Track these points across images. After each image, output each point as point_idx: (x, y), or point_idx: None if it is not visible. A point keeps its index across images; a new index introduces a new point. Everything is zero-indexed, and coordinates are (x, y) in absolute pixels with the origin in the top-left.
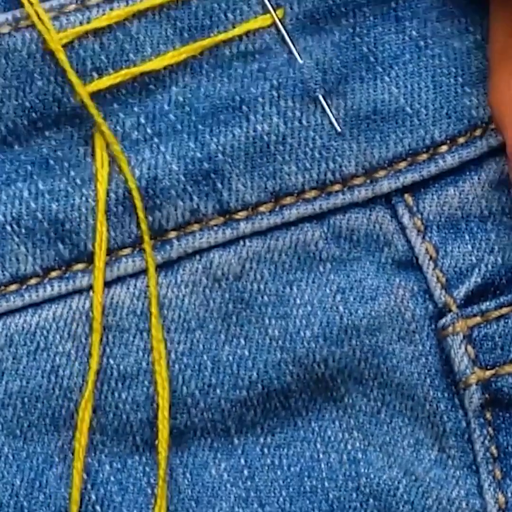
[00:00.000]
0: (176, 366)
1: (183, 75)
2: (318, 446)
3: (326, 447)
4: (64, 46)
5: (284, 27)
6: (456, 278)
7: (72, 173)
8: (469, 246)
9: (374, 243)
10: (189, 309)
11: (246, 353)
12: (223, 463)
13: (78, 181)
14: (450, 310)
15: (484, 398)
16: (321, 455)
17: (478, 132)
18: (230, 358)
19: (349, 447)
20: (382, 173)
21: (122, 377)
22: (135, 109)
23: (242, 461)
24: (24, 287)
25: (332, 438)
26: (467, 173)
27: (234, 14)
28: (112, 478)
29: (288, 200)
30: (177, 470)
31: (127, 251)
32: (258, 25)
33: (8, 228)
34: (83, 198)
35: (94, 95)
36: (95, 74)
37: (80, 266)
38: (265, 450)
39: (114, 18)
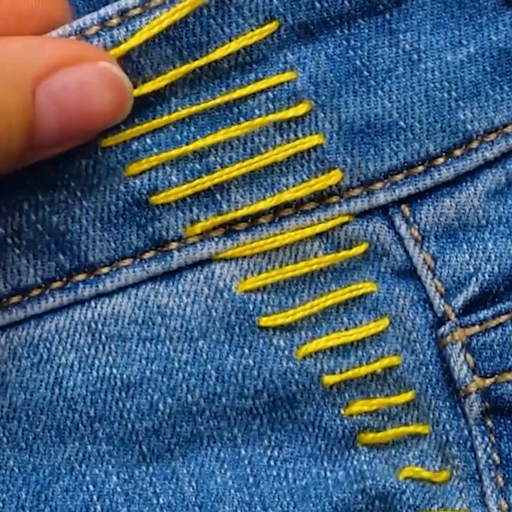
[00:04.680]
0: (180, 374)
1: (183, 87)
2: (325, 464)
3: (333, 465)
4: None
5: (279, 38)
6: (455, 287)
7: (72, 184)
8: (467, 256)
9: (372, 253)
10: (191, 318)
11: (251, 362)
12: (229, 472)
13: (78, 193)
14: (449, 319)
15: (484, 406)
16: (328, 473)
17: (474, 145)
18: (235, 367)
19: (354, 462)
20: (378, 185)
21: (125, 386)
22: (135, 120)
23: (248, 470)
24: (26, 298)
25: (339, 456)
26: (463, 184)
27: (230, 28)
28: (118, 489)
29: (287, 211)
30: (183, 479)
31: (127, 261)
32: (255, 39)
33: (9, 240)
34: (84, 210)
35: None
36: None
37: (81, 276)
38: (272, 462)
39: (116, 55)
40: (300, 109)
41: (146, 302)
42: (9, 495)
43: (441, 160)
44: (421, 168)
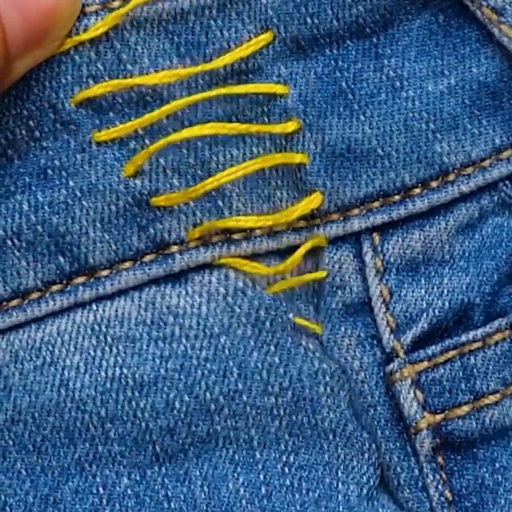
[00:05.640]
0: (199, 371)
1: (181, 90)
2: (340, 474)
3: (347, 477)
4: (60, 52)
5: (274, 49)
6: (406, 323)
7: (71, 183)
8: (423, 291)
9: (328, 285)
10: (208, 316)
11: (277, 360)
12: (242, 477)
13: (77, 192)
14: (397, 356)
15: (435, 442)
16: (340, 485)
17: (450, 178)
18: (259, 364)
19: (371, 482)
20: (355, 211)
21: (139, 385)
22: (132, 119)
23: (262, 477)
24: (26, 301)
25: (357, 469)
26: (436, 217)
27: (229, 32)
28: (129, 491)
29: (281, 226)
30: (196, 482)
31: (128, 264)
32: (251, 50)
33: (9, 242)
34: (84, 211)
35: (89, 102)
36: (91, 81)
37: (81, 279)
38: (287, 469)
39: (109, 23)
40: (289, 126)
41: (153, 304)
42: (16, 500)
43: (417, 190)
44: (397, 197)
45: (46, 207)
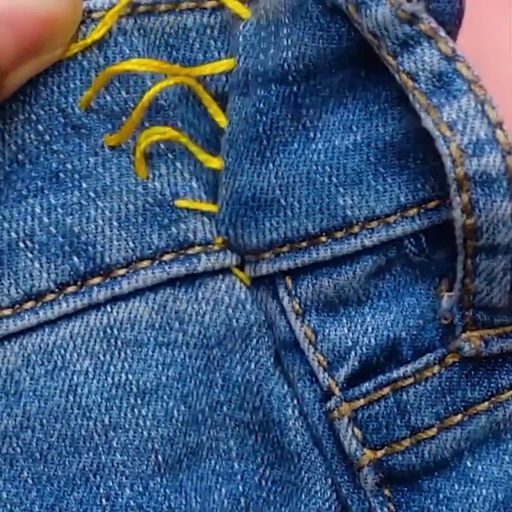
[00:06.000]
0: (192, 382)
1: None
2: (303, 497)
3: (309, 500)
4: (68, 57)
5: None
6: (336, 361)
7: (84, 185)
8: (346, 329)
9: (265, 323)
10: (209, 326)
11: (254, 378)
12: (224, 488)
13: (91, 193)
14: (333, 393)
15: (378, 477)
16: (302, 508)
17: (355, 230)
18: (239, 379)
19: (333, 509)
20: (265, 255)
21: (141, 393)
22: (146, 124)
23: (240, 488)
24: (39, 304)
25: (319, 494)
26: (343, 266)
27: (227, 55)
28: (132, 503)
29: (266, 255)
30: (190, 494)
31: (146, 263)
32: (223, 68)
33: (21, 244)
34: (99, 210)
35: (100, 107)
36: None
37: (96, 280)
38: (263, 482)
39: (108, 23)
40: (215, 163)
41: (164, 307)
42: (22, 509)
43: (322, 239)
44: (304, 244)
45: (59, 209)
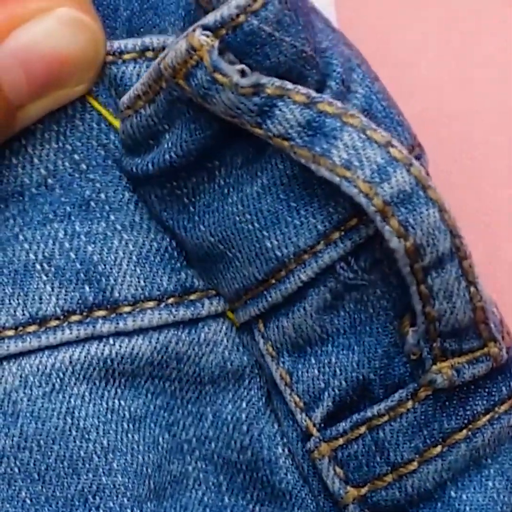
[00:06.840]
0: (180, 412)
1: None
2: None
3: None
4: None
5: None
6: (312, 401)
7: (112, 217)
8: (316, 370)
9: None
10: (205, 367)
11: (244, 417)
12: None
13: (118, 226)
14: (312, 434)
15: None
16: None
17: (290, 267)
18: (229, 417)
19: None
20: (237, 304)
21: (132, 419)
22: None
23: None
24: (42, 328)
25: None
26: (294, 305)
27: None
28: None
29: (237, 303)
30: None
31: (152, 303)
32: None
33: (38, 266)
34: (123, 242)
35: None
36: None
37: (101, 312)
38: None
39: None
40: None
41: (166, 348)
42: None
43: (272, 281)
44: (260, 289)
45: (82, 237)
